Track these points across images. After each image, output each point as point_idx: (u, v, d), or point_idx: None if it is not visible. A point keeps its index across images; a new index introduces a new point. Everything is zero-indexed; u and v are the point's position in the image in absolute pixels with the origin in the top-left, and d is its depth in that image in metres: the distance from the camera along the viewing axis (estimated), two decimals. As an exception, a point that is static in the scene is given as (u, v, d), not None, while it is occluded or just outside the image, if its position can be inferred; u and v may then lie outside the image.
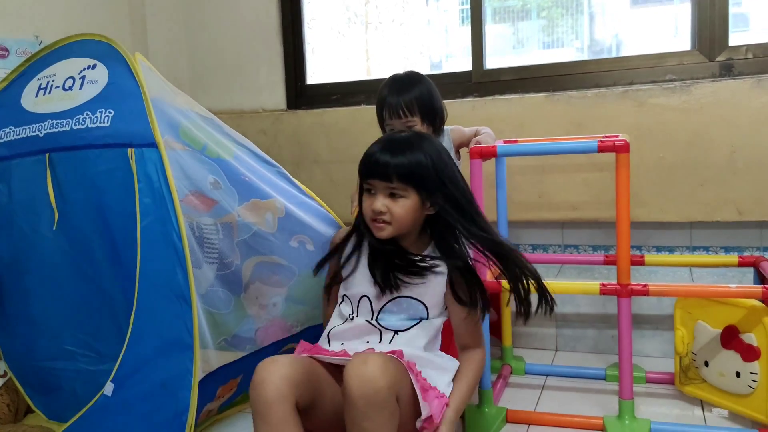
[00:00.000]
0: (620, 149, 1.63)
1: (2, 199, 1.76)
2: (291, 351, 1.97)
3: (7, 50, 2.16)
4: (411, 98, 1.77)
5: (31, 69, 1.83)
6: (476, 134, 1.93)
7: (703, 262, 2.08)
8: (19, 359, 1.85)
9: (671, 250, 2.23)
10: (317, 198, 2.12)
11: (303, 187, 2.09)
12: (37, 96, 1.74)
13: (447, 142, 1.90)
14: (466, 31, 2.51)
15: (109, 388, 1.53)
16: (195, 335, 1.50)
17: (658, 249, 2.25)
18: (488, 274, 1.80)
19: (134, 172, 1.56)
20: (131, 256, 1.54)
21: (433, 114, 1.81)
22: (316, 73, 2.78)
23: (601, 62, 2.34)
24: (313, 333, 1.97)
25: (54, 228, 1.66)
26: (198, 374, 1.50)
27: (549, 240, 2.39)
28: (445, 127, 1.89)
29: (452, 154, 1.83)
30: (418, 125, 1.76)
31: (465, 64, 2.53)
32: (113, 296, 1.62)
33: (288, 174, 2.07)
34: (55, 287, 1.72)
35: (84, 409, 1.56)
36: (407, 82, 1.81)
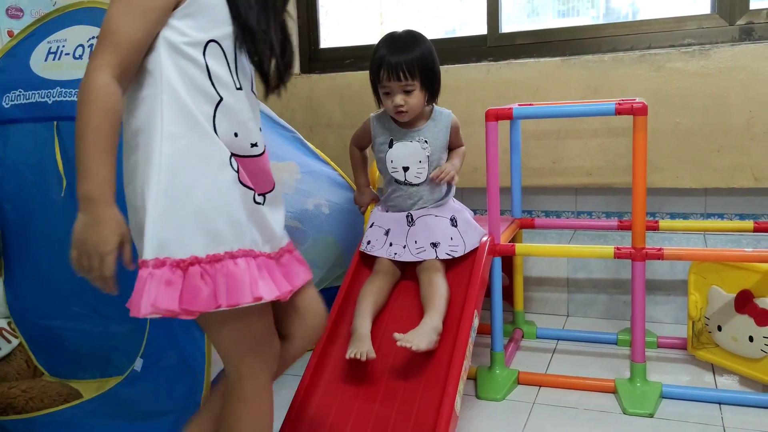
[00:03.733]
0: (638, 112, 1.61)
1: (14, 160, 1.78)
2: None
3: (21, 11, 2.16)
4: (412, 59, 1.64)
5: (40, 30, 1.82)
6: (459, 144, 1.84)
7: (718, 228, 2.07)
8: (24, 317, 1.89)
9: (686, 216, 2.22)
10: (332, 163, 2.12)
11: (318, 151, 2.09)
12: (46, 60, 1.75)
13: (445, 124, 1.78)
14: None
15: (138, 364, 1.57)
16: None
17: (673, 216, 2.24)
18: (502, 238, 1.80)
19: None
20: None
21: (433, 78, 1.71)
22: (329, 37, 2.75)
23: (618, 26, 2.30)
24: (327, 295, 1.99)
25: (62, 195, 1.68)
26: (210, 359, 1.50)
27: (562, 206, 2.38)
28: (448, 111, 1.80)
29: (446, 137, 1.77)
30: (416, 89, 1.67)
31: (479, 31, 2.50)
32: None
33: (303, 138, 2.07)
34: (63, 250, 1.74)
35: (115, 383, 1.60)
36: (408, 41, 1.69)
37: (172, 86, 1.00)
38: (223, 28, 1.05)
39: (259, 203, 1.10)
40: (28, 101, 1.74)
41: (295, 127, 2.10)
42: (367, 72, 2.56)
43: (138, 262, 1.00)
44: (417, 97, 1.68)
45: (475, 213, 2.47)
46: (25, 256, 1.84)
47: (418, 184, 1.75)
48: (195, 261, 0.99)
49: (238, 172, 1.05)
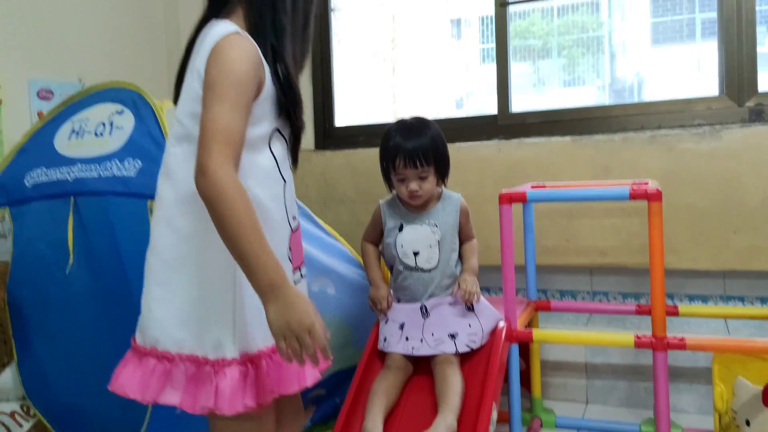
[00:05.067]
0: (653, 197, 1.60)
1: (31, 239, 1.78)
2: (317, 398, 1.94)
3: (51, 93, 2.22)
4: (426, 147, 1.67)
5: (66, 111, 1.87)
6: (470, 234, 1.81)
7: (739, 314, 2.02)
8: (44, 395, 1.84)
9: (705, 299, 2.18)
10: (342, 239, 2.10)
11: (327, 227, 2.07)
12: (69, 139, 1.78)
13: (454, 207, 1.77)
14: (487, 69, 2.53)
15: None
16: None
17: (691, 298, 2.19)
18: (519, 323, 1.77)
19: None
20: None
21: (445, 162, 1.75)
22: (343, 114, 2.80)
23: (627, 107, 2.32)
24: (338, 379, 1.94)
25: (67, 272, 1.68)
26: None
27: (577, 286, 2.34)
28: (457, 195, 1.80)
29: (456, 220, 1.75)
30: (431, 175, 1.70)
31: (486, 101, 2.54)
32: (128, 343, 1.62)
33: (312, 214, 2.05)
34: (77, 326, 1.72)
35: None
36: (420, 129, 1.72)
37: (246, 180, 1.05)
38: (277, 114, 1.13)
39: (296, 281, 1.17)
40: (49, 179, 1.76)
41: (310, 202, 2.10)
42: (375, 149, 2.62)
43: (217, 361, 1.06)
44: (431, 182, 1.71)
45: (488, 291, 2.45)
46: (42, 333, 1.81)
47: (429, 270, 1.73)
48: (261, 355, 1.08)
49: (291, 261, 1.14)
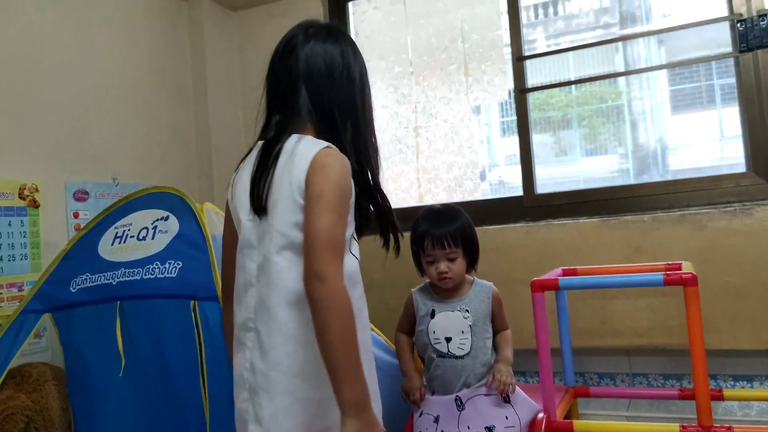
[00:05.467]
0: (688, 282, 1.60)
1: (80, 344, 1.82)
2: None
3: (87, 194, 2.31)
4: (455, 229, 1.75)
5: (109, 218, 1.93)
6: (504, 323, 1.82)
7: (786, 395, 1.96)
8: None
9: (749, 379, 2.12)
10: (372, 326, 2.10)
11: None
12: (113, 245, 1.84)
13: (486, 294, 1.80)
14: (508, 141, 2.58)
15: None
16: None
17: (735, 378, 2.14)
18: (558, 412, 1.74)
19: (197, 324, 1.60)
20: (197, 407, 1.56)
21: (473, 246, 1.79)
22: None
23: (653, 185, 2.34)
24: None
25: (120, 374, 1.70)
26: None
27: (616, 368, 2.30)
28: (489, 283, 1.83)
29: (488, 308, 1.77)
30: (459, 257, 1.74)
31: (509, 173, 2.58)
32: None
33: None
34: (126, 429, 1.73)
35: None
36: (448, 213, 1.80)
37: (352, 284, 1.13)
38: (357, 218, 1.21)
39: None
40: (94, 284, 1.80)
41: (339, 290, 2.12)
42: (407, 233, 2.65)
43: None
44: (460, 264, 1.74)
45: (524, 376, 2.42)
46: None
47: (462, 356, 1.73)
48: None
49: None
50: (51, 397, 1.88)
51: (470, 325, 1.74)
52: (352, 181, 1.14)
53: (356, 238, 1.22)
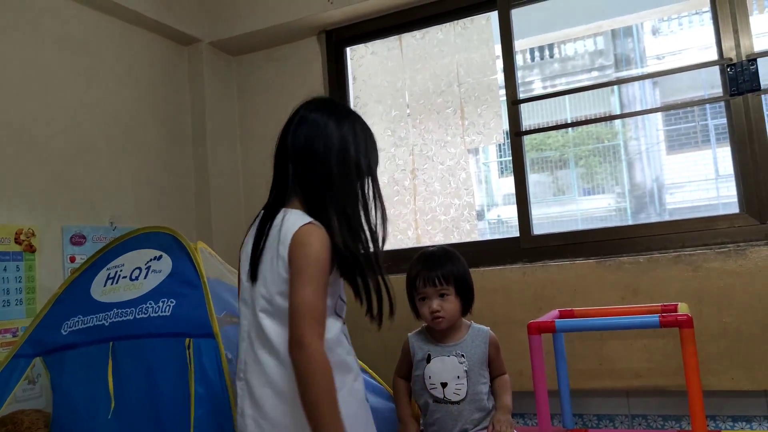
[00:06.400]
0: (684, 324, 1.60)
1: (69, 386, 1.80)
2: None
3: (84, 237, 2.32)
4: (446, 268, 1.77)
5: (102, 259, 1.94)
6: (501, 368, 1.86)
7: (786, 437, 1.95)
8: None
9: (748, 419, 2.10)
10: (369, 370, 2.09)
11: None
12: (105, 285, 1.84)
13: (483, 339, 1.82)
14: (506, 181, 2.61)
15: None
16: None
17: (734, 419, 2.12)
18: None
19: (190, 361, 1.60)
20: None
21: (466, 287, 1.80)
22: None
23: (649, 227, 2.36)
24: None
25: (109, 417, 1.68)
26: None
27: (615, 409, 2.28)
28: (486, 328, 1.85)
29: (484, 352, 1.79)
30: (452, 295, 1.75)
31: (507, 212, 2.60)
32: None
33: None
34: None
35: None
36: (441, 255, 1.83)
37: (332, 346, 1.27)
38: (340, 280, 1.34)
39: None
40: (86, 326, 1.79)
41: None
42: (404, 275, 2.66)
43: None
44: (452, 303, 1.75)
45: (522, 418, 2.40)
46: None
47: (458, 402, 1.71)
48: None
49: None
50: (44, 443, 1.85)
51: (466, 371, 1.73)
52: (329, 254, 1.26)
53: (343, 299, 1.35)
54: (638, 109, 7.59)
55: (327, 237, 1.26)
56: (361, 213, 1.33)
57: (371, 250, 1.34)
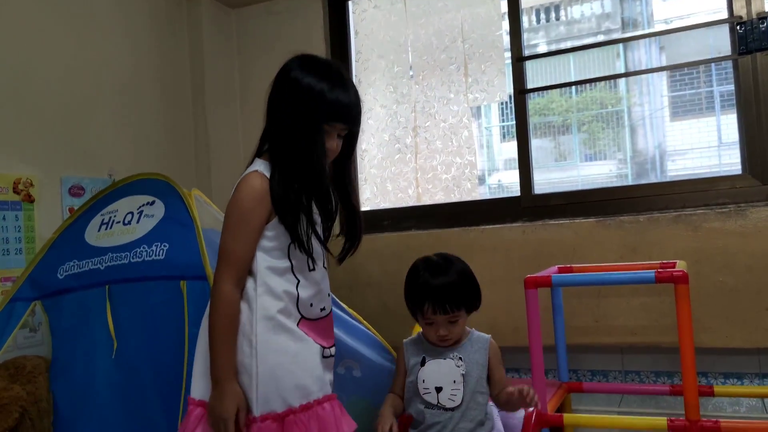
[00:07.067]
0: (679, 280, 1.61)
1: (68, 329, 1.83)
2: None
3: (83, 189, 2.32)
4: (459, 296, 1.61)
5: (95, 206, 1.94)
6: (502, 376, 1.67)
7: (777, 393, 1.98)
8: None
9: (740, 377, 2.13)
10: (365, 323, 2.11)
11: (350, 310, 2.09)
12: (99, 231, 1.85)
13: (482, 345, 1.67)
14: (508, 146, 2.60)
15: None
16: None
17: (726, 376, 2.15)
18: (550, 406, 1.75)
19: (185, 303, 1.61)
20: (178, 384, 1.57)
21: (475, 301, 1.66)
22: (369, 201, 2.87)
23: (650, 186, 2.36)
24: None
25: (113, 357, 1.71)
26: None
27: (608, 365, 2.32)
28: (487, 336, 1.69)
29: (484, 359, 1.64)
30: (462, 318, 1.63)
31: (508, 177, 2.59)
32: (160, 425, 1.63)
33: (335, 297, 2.06)
34: (104, 419, 1.74)
35: None
36: (451, 279, 1.63)
37: (263, 280, 1.34)
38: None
39: (327, 356, 1.41)
40: (82, 270, 1.81)
41: (336, 286, 2.10)
42: (405, 233, 2.67)
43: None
44: (461, 325, 1.64)
45: (518, 373, 2.43)
46: (73, 428, 1.82)
47: (452, 408, 1.59)
48: (290, 412, 1.30)
49: (308, 336, 1.37)
50: (45, 389, 1.88)
51: (463, 374, 1.60)
52: (263, 201, 1.34)
53: (311, 264, 1.40)
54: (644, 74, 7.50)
55: (261, 185, 1.34)
56: (300, 163, 1.36)
57: (306, 199, 1.38)
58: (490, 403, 1.65)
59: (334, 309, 2.06)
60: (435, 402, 1.60)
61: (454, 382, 1.60)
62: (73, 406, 1.78)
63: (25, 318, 1.85)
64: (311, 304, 1.40)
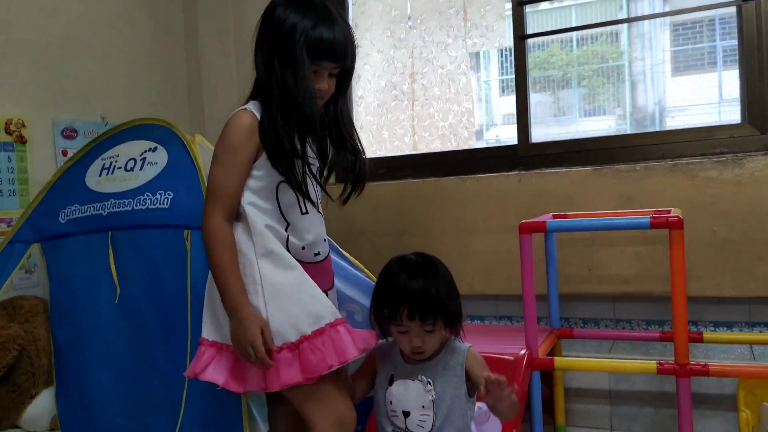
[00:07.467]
0: (674, 225, 1.61)
1: (68, 273, 1.84)
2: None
3: (75, 131, 2.30)
4: (439, 301, 1.38)
5: (95, 150, 1.93)
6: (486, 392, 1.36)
7: (765, 340, 2.01)
8: (75, 430, 1.87)
9: (729, 325, 2.16)
10: (365, 269, 2.12)
11: (351, 258, 2.10)
12: (100, 176, 1.84)
13: (458, 362, 1.43)
14: (507, 100, 2.57)
15: None
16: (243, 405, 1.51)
17: (716, 324, 2.18)
18: (540, 351, 1.77)
19: (188, 252, 1.61)
20: (183, 329, 1.58)
21: (455, 311, 1.42)
22: (364, 149, 2.84)
23: (648, 135, 2.34)
24: (366, 403, 1.94)
25: (116, 302, 1.72)
26: None
27: (600, 314, 2.34)
28: (466, 346, 1.46)
29: (461, 377, 1.42)
30: (439, 329, 1.40)
31: (506, 132, 2.57)
32: (165, 369, 1.65)
33: (337, 245, 2.08)
34: (109, 361, 1.76)
35: None
36: (431, 283, 1.40)
37: (254, 221, 1.35)
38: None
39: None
40: (84, 215, 1.81)
41: (331, 236, 2.12)
42: (401, 181, 2.66)
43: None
44: (438, 336, 1.41)
45: (510, 320, 2.46)
46: (76, 370, 1.85)
47: None
48: (304, 339, 1.32)
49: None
50: (43, 328, 1.91)
51: (432, 400, 1.40)
52: (251, 137, 1.34)
53: (303, 207, 1.41)
54: (647, 27, 7.40)
55: (249, 121, 1.35)
56: (290, 105, 1.34)
57: (299, 141, 1.37)
58: (473, 425, 1.46)
59: (336, 257, 2.08)
60: (403, 426, 1.42)
61: (423, 407, 1.40)
62: (77, 349, 1.81)
63: (24, 261, 1.85)
64: (303, 248, 1.40)
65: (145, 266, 1.68)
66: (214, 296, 1.36)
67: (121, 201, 1.75)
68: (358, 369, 1.54)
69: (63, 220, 1.83)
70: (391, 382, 1.45)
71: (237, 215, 1.37)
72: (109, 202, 1.77)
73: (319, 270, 1.44)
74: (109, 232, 1.75)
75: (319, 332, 1.33)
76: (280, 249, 1.36)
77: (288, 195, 1.38)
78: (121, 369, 1.74)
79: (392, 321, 1.40)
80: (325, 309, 1.36)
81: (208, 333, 1.39)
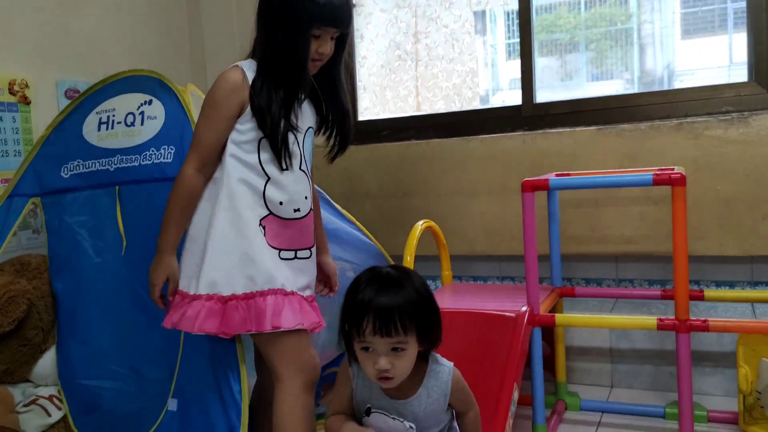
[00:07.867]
0: (676, 182, 1.61)
1: (71, 227, 1.85)
2: (331, 375, 1.98)
3: (78, 92, 2.29)
4: (409, 312, 1.21)
5: (86, 102, 1.91)
6: (467, 409, 1.35)
7: (766, 298, 2.01)
8: (70, 378, 1.90)
9: (732, 284, 2.17)
10: (364, 228, 2.12)
11: (348, 215, 2.10)
12: (99, 130, 1.84)
13: (442, 391, 1.30)
14: (513, 64, 2.54)
15: (173, 404, 1.58)
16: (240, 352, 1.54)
17: (718, 284, 2.19)
18: (542, 308, 1.79)
19: None
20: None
21: (431, 328, 1.26)
22: (367, 110, 2.84)
23: (653, 95, 2.32)
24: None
25: (122, 253, 1.74)
26: (247, 394, 1.53)
27: (603, 274, 2.35)
28: (449, 368, 1.32)
29: (445, 398, 1.30)
30: (410, 348, 1.22)
31: (512, 97, 2.55)
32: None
33: (331, 200, 2.07)
34: (109, 310, 1.78)
35: (152, 429, 1.61)
36: (397, 280, 1.25)
37: (230, 172, 1.41)
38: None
39: (289, 259, 1.44)
40: (89, 170, 1.82)
41: (334, 196, 2.13)
42: (404, 143, 2.65)
43: (192, 295, 1.41)
44: (409, 358, 1.23)
45: (513, 280, 2.48)
46: (75, 319, 1.88)
47: None
48: (233, 297, 1.38)
49: (265, 236, 1.41)
50: (49, 285, 1.93)
51: None
52: (244, 93, 1.39)
53: (286, 162, 1.42)
54: (656, -10, 7.26)
55: (236, 78, 1.40)
56: (286, 68, 1.39)
57: (287, 104, 1.41)
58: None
59: (335, 219, 2.08)
60: None
61: None
62: (77, 299, 1.82)
63: (24, 215, 1.86)
64: (281, 203, 1.43)
65: (150, 218, 1.69)
66: (192, 248, 1.45)
67: (128, 157, 1.77)
68: (336, 384, 1.38)
69: (66, 174, 1.84)
70: (368, 413, 1.31)
71: (218, 165, 1.43)
72: (116, 158, 1.78)
73: (298, 226, 1.47)
74: (117, 187, 1.77)
75: (249, 296, 1.38)
76: (248, 209, 1.41)
77: (269, 150, 1.42)
78: (121, 318, 1.76)
79: (356, 337, 1.23)
80: (262, 277, 1.39)
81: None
